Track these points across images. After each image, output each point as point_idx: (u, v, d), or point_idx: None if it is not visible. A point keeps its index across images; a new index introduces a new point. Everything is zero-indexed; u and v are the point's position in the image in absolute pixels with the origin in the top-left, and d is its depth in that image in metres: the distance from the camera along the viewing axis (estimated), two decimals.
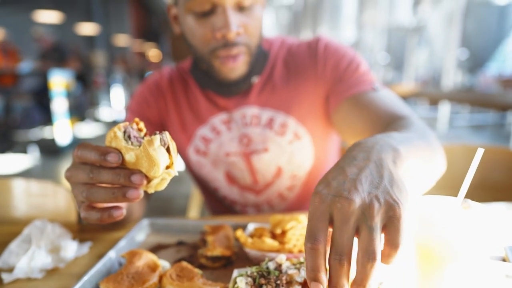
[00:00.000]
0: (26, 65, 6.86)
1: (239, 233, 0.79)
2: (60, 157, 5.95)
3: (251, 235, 0.83)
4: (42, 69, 6.35)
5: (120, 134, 0.58)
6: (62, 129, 6.16)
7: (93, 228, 0.99)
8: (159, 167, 0.56)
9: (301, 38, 1.18)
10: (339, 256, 0.45)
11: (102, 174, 0.57)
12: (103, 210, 0.59)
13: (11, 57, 6.74)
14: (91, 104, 9.98)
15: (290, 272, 0.61)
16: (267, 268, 0.63)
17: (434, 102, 6.21)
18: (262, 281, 0.59)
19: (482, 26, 6.79)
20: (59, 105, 6.02)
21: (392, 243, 0.46)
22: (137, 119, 0.62)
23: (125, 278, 0.67)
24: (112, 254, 0.78)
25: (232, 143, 1.12)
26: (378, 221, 0.46)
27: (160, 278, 0.68)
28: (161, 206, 3.66)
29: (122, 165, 0.58)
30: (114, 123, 9.42)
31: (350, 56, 1.06)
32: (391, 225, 0.46)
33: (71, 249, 0.82)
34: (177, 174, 0.61)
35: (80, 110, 8.42)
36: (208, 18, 0.94)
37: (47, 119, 6.17)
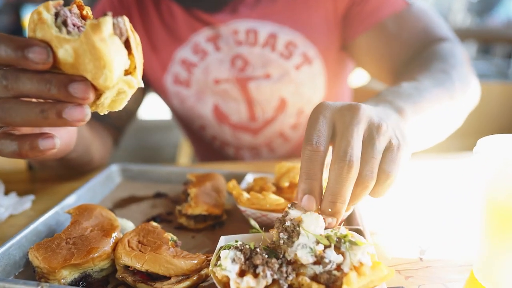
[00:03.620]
0: None
1: (231, 184, 0.57)
2: None
3: (250, 188, 0.61)
4: (13, 5, 5.77)
5: (48, 17, 0.34)
6: None
7: (42, 177, 0.77)
8: (111, 70, 0.34)
9: None
10: (349, 157, 0.41)
11: (22, 81, 0.35)
12: (23, 137, 0.37)
13: None
14: None
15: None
16: (280, 227, 0.42)
17: None
18: (257, 260, 0.38)
19: None
20: None
21: (385, 172, 0.43)
22: (79, 0, 0.38)
23: (63, 244, 0.47)
24: (56, 210, 0.57)
25: (222, 67, 0.89)
26: (383, 142, 0.44)
27: (116, 246, 0.47)
28: (146, 156, 3.41)
29: (56, 69, 0.35)
30: None
31: None
32: (390, 154, 0.44)
33: (4, 205, 0.61)
34: (142, 85, 0.39)
35: None
36: None
37: None
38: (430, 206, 0.66)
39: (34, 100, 0.38)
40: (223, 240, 0.46)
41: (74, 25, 0.35)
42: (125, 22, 0.35)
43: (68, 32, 0.34)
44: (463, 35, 4.29)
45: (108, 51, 0.33)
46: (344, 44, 0.90)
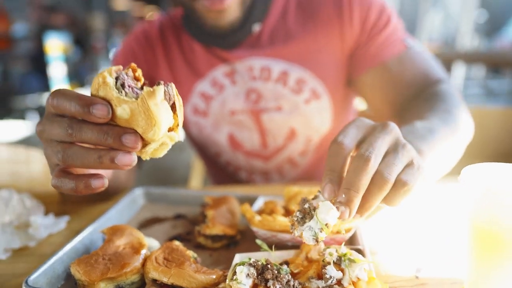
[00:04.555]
0: (20, 28, 6.58)
1: (245, 207, 0.64)
2: None
3: (261, 211, 0.68)
4: (37, 31, 6.08)
5: (111, 80, 0.43)
6: None
7: (74, 199, 0.85)
8: (160, 128, 0.42)
9: None
10: (368, 153, 0.46)
11: (84, 131, 0.42)
12: (79, 177, 0.45)
13: (3, 20, 6.44)
14: (90, 70, 9.73)
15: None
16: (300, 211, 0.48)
17: (447, 64, 5.90)
18: (268, 275, 0.45)
19: None
20: (57, 70, 5.81)
21: (403, 180, 0.47)
22: (133, 65, 0.46)
23: (100, 260, 0.54)
24: (91, 230, 0.64)
25: (237, 99, 0.96)
26: (405, 157, 0.49)
27: (144, 262, 0.54)
28: (159, 176, 3.49)
29: (112, 121, 0.43)
30: None
31: (379, 4, 0.90)
32: (410, 169, 0.49)
33: (43, 225, 0.68)
34: (181, 139, 0.47)
35: (79, 76, 8.19)
36: None
37: (46, 85, 5.99)
38: (426, 227, 0.71)
39: (91, 146, 0.45)
40: (237, 258, 0.53)
41: (129, 86, 0.43)
42: (173, 89, 0.44)
43: (126, 94, 0.42)
44: (472, 59, 4.32)
45: (159, 113, 0.41)
46: (350, 80, 0.97)
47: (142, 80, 0.45)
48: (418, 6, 7.60)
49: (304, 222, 0.47)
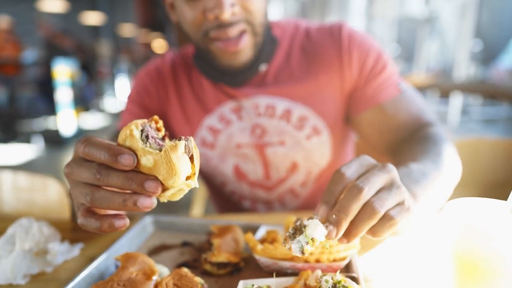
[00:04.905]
0: (29, 54, 6.78)
1: (248, 236, 0.70)
2: (64, 148, 5.89)
3: (263, 239, 0.73)
4: (46, 58, 6.26)
5: (137, 133, 0.49)
6: (67, 119, 6.09)
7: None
8: (179, 177, 0.48)
9: (316, 22, 1.07)
10: (362, 185, 0.53)
11: (111, 177, 0.48)
12: (103, 218, 0.50)
13: (14, 46, 6.66)
14: (96, 95, 9.91)
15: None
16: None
17: (445, 94, 6.03)
18: None
19: (497, 17, 6.56)
20: (64, 95, 5.94)
21: (390, 215, 0.53)
22: (156, 117, 0.53)
23: (115, 285, 0.58)
24: (105, 257, 0.69)
25: (243, 134, 1.03)
26: (397, 197, 0.55)
27: (156, 287, 0.59)
28: (163, 203, 3.54)
29: (136, 168, 0.49)
30: (119, 115, 9.36)
31: (376, 51, 0.98)
32: (399, 207, 0.55)
33: (60, 252, 0.73)
34: (197, 186, 0.52)
35: (85, 100, 8.36)
36: (199, 0, 0.85)
37: (52, 109, 6.11)
38: (417, 257, 0.76)
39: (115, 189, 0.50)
40: (241, 284, 0.58)
41: (152, 137, 0.50)
42: (192, 142, 0.50)
43: (150, 145, 0.49)
44: (469, 89, 4.42)
45: (179, 165, 0.47)
46: (348, 118, 1.04)
47: (163, 130, 0.52)
48: (416, 35, 7.83)
49: (295, 237, 0.54)
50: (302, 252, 0.52)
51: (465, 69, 6.17)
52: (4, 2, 10.86)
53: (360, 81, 0.98)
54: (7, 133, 6.13)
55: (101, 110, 9.74)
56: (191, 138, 0.51)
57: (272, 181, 1.08)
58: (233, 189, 1.12)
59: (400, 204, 0.56)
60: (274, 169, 1.06)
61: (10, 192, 1.11)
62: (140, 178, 0.48)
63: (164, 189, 0.50)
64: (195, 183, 0.51)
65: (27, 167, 4.78)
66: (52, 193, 1.08)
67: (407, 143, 0.91)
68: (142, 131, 0.50)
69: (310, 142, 1.02)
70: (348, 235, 0.54)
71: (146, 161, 0.48)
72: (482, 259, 0.51)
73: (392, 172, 0.57)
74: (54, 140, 5.96)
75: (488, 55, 6.85)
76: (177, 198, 0.53)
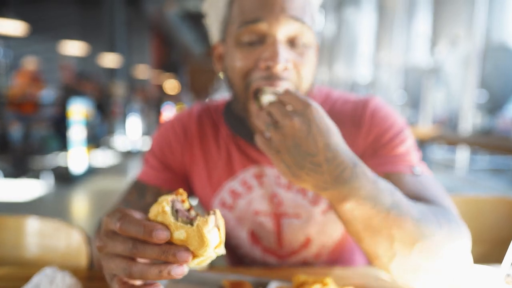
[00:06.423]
0: (47, 94, 7.05)
1: None
2: (74, 185, 5.95)
3: None
4: (63, 99, 6.52)
5: (168, 210, 0.56)
6: (78, 157, 6.22)
7: (100, 276, 0.93)
8: (209, 247, 0.54)
9: (348, 94, 1.06)
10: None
11: (147, 251, 0.54)
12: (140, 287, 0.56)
13: (37, 85, 6.95)
14: (107, 132, 10.15)
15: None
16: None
17: (452, 146, 6.10)
18: None
19: (501, 68, 6.74)
20: (77, 133, 6.11)
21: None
22: (181, 190, 0.59)
23: None
24: None
25: (263, 201, 1.03)
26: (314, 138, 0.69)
27: None
28: None
29: (169, 241, 0.55)
30: (129, 153, 9.52)
31: (396, 129, 0.95)
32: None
33: None
34: (224, 253, 0.58)
35: (96, 138, 8.54)
36: (254, 49, 0.85)
37: (63, 146, 6.25)
38: None
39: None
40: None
41: (180, 210, 0.56)
42: (218, 215, 0.57)
43: (181, 220, 0.55)
44: (475, 143, 4.44)
45: (210, 238, 0.53)
46: None
47: (187, 202, 0.59)
48: (421, 84, 8.03)
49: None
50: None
51: (471, 119, 6.25)
52: (31, 41, 11.47)
53: (372, 150, 0.95)
54: (18, 169, 6.25)
55: (111, 148, 9.92)
56: (218, 211, 0.57)
57: (285, 251, 1.07)
58: (245, 253, 1.12)
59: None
60: (287, 241, 1.05)
61: (32, 237, 1.16)
62: (173, 250, 0.53)
63: (194, 257, 0.55)
64: (222, 250, 0.57)
65: (34, 203, 4.83)
66: (70, 240, 1.13)
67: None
68: (171, 206, 0.56)
69: (325, 216, 1.03)
70: None
71: (179, 234, 0.54)
72: None
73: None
74: (64, 177, 6.05)
75: (494, 105, 6.95)
76: (204, 264, 0.58)
